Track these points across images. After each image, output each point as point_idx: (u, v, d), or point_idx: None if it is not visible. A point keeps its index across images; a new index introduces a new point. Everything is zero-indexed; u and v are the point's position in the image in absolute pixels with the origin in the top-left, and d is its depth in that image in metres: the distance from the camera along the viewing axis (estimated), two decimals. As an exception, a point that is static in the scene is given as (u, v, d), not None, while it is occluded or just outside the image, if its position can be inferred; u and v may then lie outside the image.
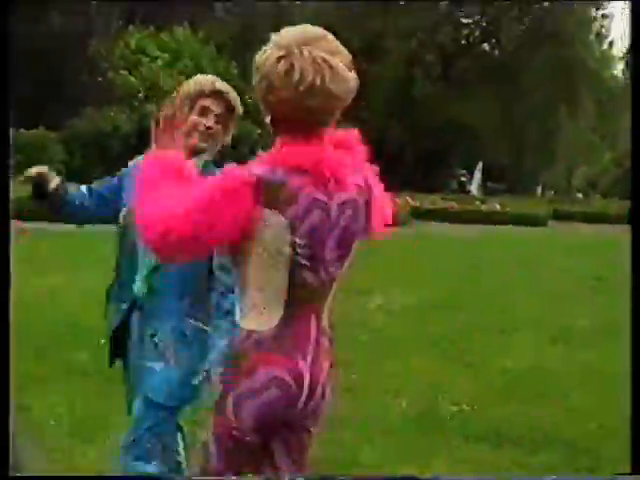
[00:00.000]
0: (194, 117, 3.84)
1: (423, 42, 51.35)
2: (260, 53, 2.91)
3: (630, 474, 3.81)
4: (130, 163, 4.02)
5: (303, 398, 3.01)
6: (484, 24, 55.91)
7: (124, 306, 3.92)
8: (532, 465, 5.69)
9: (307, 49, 2.85)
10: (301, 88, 2.83)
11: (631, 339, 3.86)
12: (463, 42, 56.12)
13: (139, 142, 28.48)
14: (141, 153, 4.04)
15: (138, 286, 3.87)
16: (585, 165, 67.12)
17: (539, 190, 60.40)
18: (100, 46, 38.39)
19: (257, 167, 2.89)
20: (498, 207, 36.33)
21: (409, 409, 6.82)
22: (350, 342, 8.79)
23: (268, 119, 2.95)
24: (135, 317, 3.94)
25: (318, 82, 2.84)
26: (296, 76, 2.82)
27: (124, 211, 3.87)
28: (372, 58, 47.09)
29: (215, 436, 3.04)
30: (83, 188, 4.04)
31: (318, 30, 2.93)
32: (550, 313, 11.85)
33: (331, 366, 3.12)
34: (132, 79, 36.87)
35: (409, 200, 33.76)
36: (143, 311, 3.90)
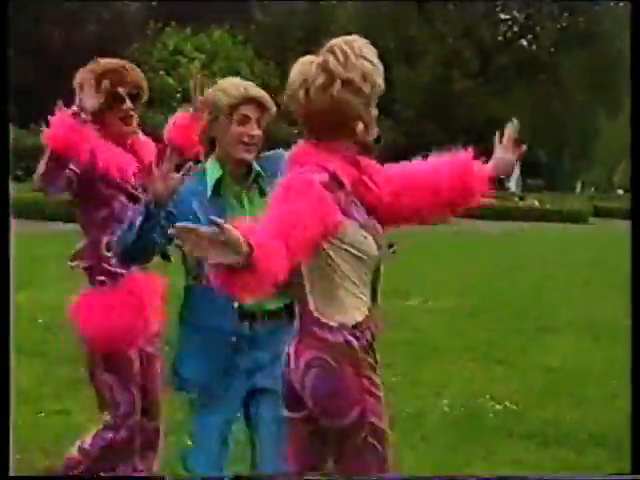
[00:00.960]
0: (236, 128, 3.61)
1: (460, 39, 51.15)
2: None
3: (630, 474, 3.78)
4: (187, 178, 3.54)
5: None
6: (522, 20, 55.60)
7: (233, 338, 3.62)
8: (578, 465, 5.60)
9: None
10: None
11: (632, 340, 3.81)
12: (500, 38, 55.84)
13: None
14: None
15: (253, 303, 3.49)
16: (626, 161, 66.55)
17: (579, 186, 59.94)
18: (137, 49, 38.60)
19: None
20: (537, 204, 36.11)
21: (451, 410, 6.75)
22: (390, 343, 8.72)
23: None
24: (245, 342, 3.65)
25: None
26: None
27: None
28: (409, 60, 47.00)
29: None
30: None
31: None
32: (592, 311, 11.72)
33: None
34: (170, 80, 37.02)
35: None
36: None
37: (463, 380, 7.68)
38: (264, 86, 3.87)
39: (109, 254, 4.09)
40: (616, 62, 50.83)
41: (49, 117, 3.91)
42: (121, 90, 4.18)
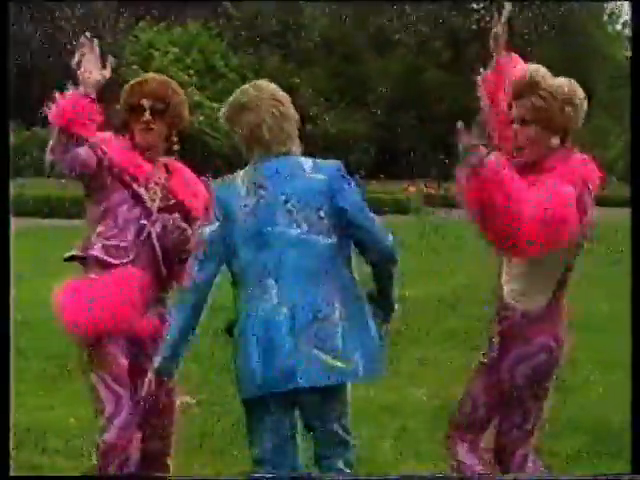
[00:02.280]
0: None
1: (432, 29, 51.18)
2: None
3: (630, 474, 3.81)
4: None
5: None
6: (494, 9, 55.76)
7: None
8: (556, 451, 5.62)
9: None
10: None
11: (632, 337, 3.84)
12: (474, 27, 55.91)
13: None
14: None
15: None
16: (599, 149, 66.77)
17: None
18: (110, 43, 38.36)
19: None
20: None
21: (428, 400, 6.77)
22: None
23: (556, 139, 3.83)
24: None
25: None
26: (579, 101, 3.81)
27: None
28: (381, 51, 46.98)
29: None
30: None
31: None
32: (570, 298, 11.74)
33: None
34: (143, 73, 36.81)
35: (424, 188, 33.66)
36: None
37: (440, 370, 7.70)
38: (242, 79, 3.86)
39: (97, 247, 4.06)
40: (590, 51, 51.01)
41: (56, 95, 3.86)
42: (145, 102, 4.14)
